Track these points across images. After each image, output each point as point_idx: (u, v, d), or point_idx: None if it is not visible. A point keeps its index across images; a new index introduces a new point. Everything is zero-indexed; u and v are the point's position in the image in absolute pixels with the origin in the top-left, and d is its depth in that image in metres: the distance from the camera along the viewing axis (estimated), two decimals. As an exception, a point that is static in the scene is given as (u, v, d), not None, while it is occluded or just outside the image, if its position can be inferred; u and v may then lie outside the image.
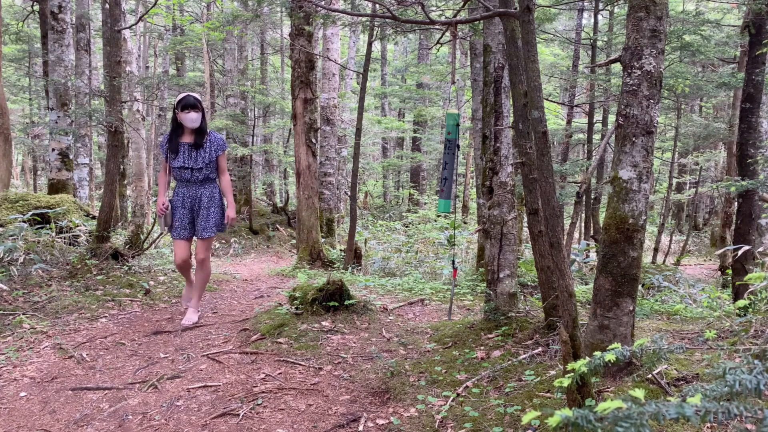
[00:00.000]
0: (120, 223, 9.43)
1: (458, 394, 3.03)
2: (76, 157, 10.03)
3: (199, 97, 4.37)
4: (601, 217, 8.48)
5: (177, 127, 4.34)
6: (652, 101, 2.71)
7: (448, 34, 4.44)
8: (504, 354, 3.52)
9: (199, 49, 17.90)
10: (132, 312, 4.94)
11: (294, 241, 11.00)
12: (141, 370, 3.57)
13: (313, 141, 8.24)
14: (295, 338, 4.09)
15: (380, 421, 2.83)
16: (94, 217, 7.39)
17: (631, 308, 2.81)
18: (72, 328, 4.39)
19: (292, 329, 4.24)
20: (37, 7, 10.29)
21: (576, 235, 11.06)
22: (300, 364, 3.63)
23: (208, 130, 4.42)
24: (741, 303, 3.71)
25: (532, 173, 3.28)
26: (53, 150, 8.65)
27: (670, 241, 14.67)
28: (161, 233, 6.94)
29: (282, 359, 3.73)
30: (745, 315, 3.64)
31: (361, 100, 8.37)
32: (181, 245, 4.43)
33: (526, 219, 3.71)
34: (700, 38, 8.67)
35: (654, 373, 2.68)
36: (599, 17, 11.35)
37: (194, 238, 4.54)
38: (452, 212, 4.57)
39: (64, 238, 6.47)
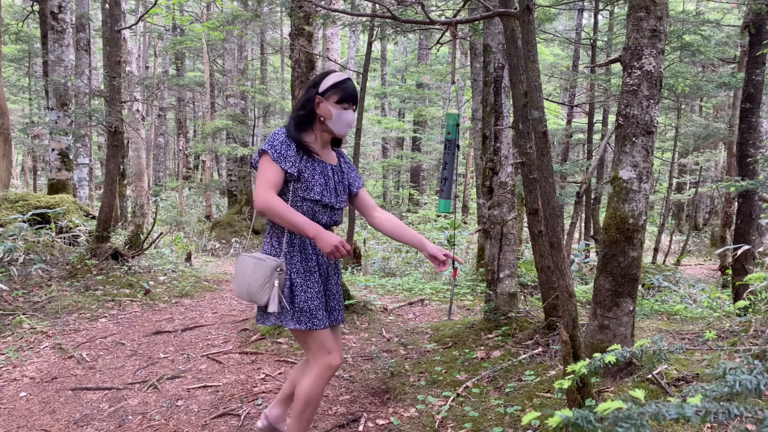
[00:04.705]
0: (120, 223, 9.43)
1: (458, 394, 3.03)
2: (76, 157, 10.03)
3: None
4: (601, 217, 8.47)
5: (307, 127, 2.27)
6: (652, 101, 2.71)
7: (448, 34, 4.44)
8: (504, 354, 3.52)
9: (199, 49, 17.89)
10: (132, 312, 4.94)
11: (294, 241, 10.98)
12: (141, 370, 3.57)
13: (313, 141, 8.24)
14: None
15: (380, 421, 2.83)
16: (94, 217, 7.39)
17: (631, 308, 2.81)
18: (72, 328, 4.39)
19: (292, 329, 4.24)
20: (37, 7, 10.28)
21: (576, 235, 11.05)
22: (300, 364, 3.63)
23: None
24: (741, 303, 3.71)
25: (532, 173, 3.28)
26: (53, 150, 8.65)
27: (670, 241, 14.65)
28: (161, 233, 6.84)
29: (282, 359, 3.72)
30: (745, 315, 3.64)
31: (361, 100, 8.38)
32: (331, 336, 2.32)
33: (526, 219, 3.71)
34: (700, 38, 8.67)
35: (654, 373, 2.67)
36: (599, 17, 11.34)
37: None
38: (452, 212, 4.56)
39: (64, 238, 6.47)
